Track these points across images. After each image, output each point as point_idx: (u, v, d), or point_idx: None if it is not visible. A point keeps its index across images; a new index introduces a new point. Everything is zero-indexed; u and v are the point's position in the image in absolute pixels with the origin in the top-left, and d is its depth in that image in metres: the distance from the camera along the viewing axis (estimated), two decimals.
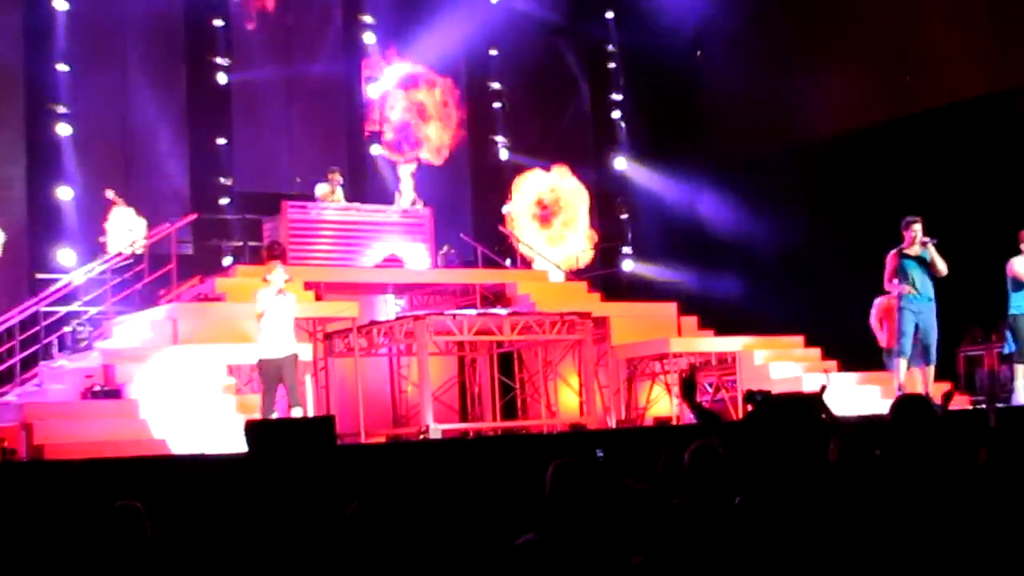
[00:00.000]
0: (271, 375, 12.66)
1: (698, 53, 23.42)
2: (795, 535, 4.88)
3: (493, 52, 24.04)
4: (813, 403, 7.99)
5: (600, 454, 9.57)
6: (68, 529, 7.08)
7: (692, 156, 22.88)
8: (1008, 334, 14.31)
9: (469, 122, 23.85)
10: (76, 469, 8.88)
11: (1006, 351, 14.79)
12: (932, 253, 13.44)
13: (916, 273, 13.43)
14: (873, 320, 14.90)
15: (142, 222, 17.31)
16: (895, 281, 13.42)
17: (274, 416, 12.30)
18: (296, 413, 12.55)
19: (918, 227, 13.51)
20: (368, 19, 23.00)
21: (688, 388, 8.30)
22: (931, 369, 13.85)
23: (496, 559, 5.95)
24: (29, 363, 15.13)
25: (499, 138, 23.33)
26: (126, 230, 17.17)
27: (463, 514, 8.60)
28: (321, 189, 17.91)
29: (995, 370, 17.67)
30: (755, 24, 21.42)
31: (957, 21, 19.33)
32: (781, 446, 5.92)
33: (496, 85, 24.04)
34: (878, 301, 14.93)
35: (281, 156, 21.58)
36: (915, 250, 13.43)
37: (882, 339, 14.61)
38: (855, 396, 14.25)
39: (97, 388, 12.89)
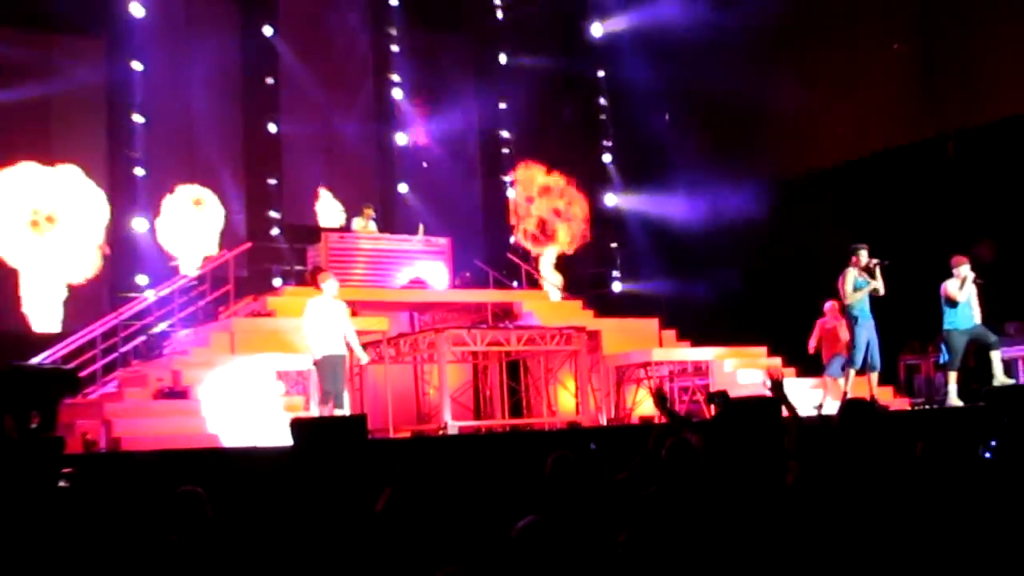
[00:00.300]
0: (328, 371, 12.82)
1: (666, 117, 23.53)
2: (760, 515, 4.97)
3: (502, 105, 24.21)
4: (773, 403, 8.09)
5: (593, 447, 9.65)
6: (140, 510, 7.16)
7: (670, 194, 22.91)
8: (942, 346, 14.41)
9: (481, 165, 24.11)
10: (148, 459, 9.00)
11: (940, 361, 14.86)
12: (878, 274, 13.57)
13: (863, 292, 13.61)
14: (813, 340, 15.11)
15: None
16: (853, 293, 13.59)
17: (338, 412, 12.48)
18: (327, 411, 12.68)
19: (864, 252, 13.66)
20: (396, 78, 23.22)
21: (660, 400, 8.50)
22: (876, 375, 13.99)
23: (503, 537, 6.06)
24: (109, 368, 15.26)
25: (507, 178, 23.46)
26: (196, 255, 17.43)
27: (476, 498, 8.68)
28: (357, 223, 18.03)
29: (931, 377, 17.73)
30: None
31: (892, 75, 19.39)
32: (744, 439, 6.04)
33: (505, 133, 24.18)
34: (820, 322, 15.07)
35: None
36: (858, 273, 13.59)
37: (813, 347, 14.89)
38: (810, 399, 14.31)
39: (166, 390, 13.01)
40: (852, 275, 13.66)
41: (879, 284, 13.64)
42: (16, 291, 15.74)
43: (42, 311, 15.88)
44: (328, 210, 18.70)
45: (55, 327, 15.55)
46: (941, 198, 18.76)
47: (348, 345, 13.19)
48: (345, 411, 13.04)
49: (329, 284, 13.30)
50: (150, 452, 9.54)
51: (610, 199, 24.04)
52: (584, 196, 20.57)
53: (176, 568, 6.06)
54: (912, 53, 19.13)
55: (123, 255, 18.07)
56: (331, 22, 22.88)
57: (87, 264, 15.99)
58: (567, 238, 20.00)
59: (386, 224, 19.86)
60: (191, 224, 17.77)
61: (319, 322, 12.98)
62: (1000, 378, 14.11)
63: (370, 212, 18.20)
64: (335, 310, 13.15)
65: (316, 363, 12.98)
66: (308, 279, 15.07)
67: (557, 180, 20.24)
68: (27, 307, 15.53)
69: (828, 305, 15.26)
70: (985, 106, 17.99)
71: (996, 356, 14.23)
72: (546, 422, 15.64)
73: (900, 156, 18.99)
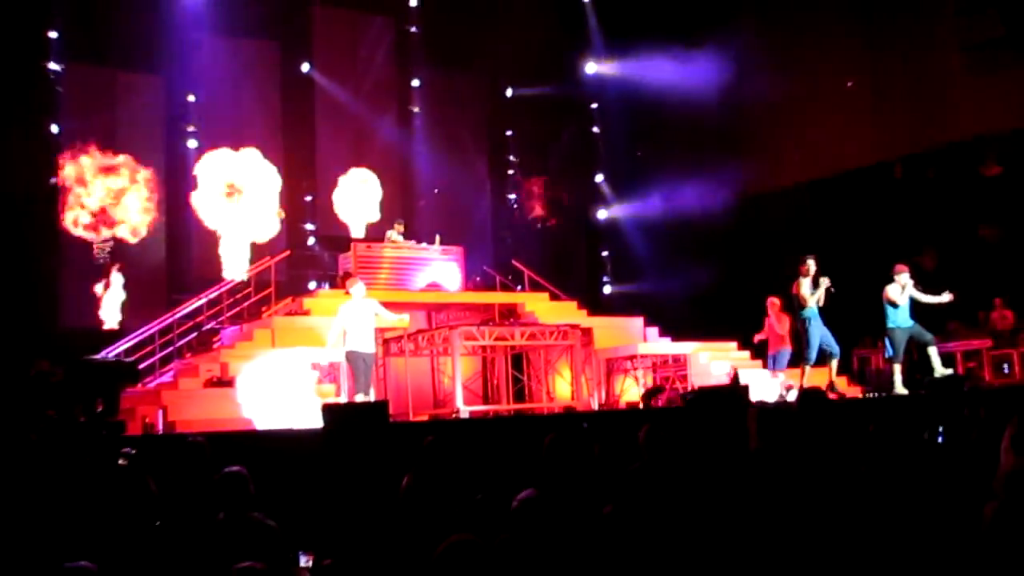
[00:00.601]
0: (359, 364, 12.58)
1: (638, 153, 23.52)
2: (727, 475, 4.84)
3: (508, 133, 24.16)
4: (736, 390, 7.98)
5: (585, 425, 9.56)
6: (193, 485, 7.02)
7: (653, 208, 22.86)
8: (887, 342, 14.36)
9: (491, 186, 24.02)
10: (197, 440, 8.86)
11: (887, 355, 14.82)
12: (822, 289, 13.51)
13: (818, 294, 13.55)
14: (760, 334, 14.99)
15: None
16: (810, 296, 13.49)
17: (362, 398, 12.27)
18: (360, 399, 12.44)
19: (811, 262, 13.58)
20: (416, 109, 23.18)
21: (648, 398, 8.43)
22: (836, 362, 13.93)
23: (505, 507, 5.93)
24: (166, 361, 15.16)
25: (511, 196, 23.36)
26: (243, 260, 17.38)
27: (484, 473, 8.56)
28: (391, 234, 17.94)
29: (881, 368, 17.65)
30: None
31: (846, 107, 19.30)
32: (712, 417, 5.94)
33: (512, 157, 24.14)
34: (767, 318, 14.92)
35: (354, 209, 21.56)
36: (809, 283, 13.52)
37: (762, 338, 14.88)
38: (774, 389, 14.16)
39: (215, 380, 12.90)
40: (806, 282, 13.57)
41: (820, 294, 13.57)
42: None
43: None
44: (355, 222, 18.56)
45: (115, 324, 15.44)
46: (888, 214, 18.71)
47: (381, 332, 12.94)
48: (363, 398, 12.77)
49: (356, 288, 13.11)
50: (202, 433, 9.42)
51: (602, 213, 23.99)
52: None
53: (222, 544, 5.92)
54: (863, 88, 19.03)
55: (176, 262, 18.02)
56: (360, 57, 22.77)
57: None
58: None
59: (408, 234, 19.78)
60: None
61: (347, 322, 12.75)
62: (939, 370, 14.11)
63: (400, 227, 18.12)
64: (364, 310, 12.92)
65: (348, 356, 12.78)
66: (339, 283, 14.94)
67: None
68: (104, 306, 15.43)
69: (769, 302, 15.11)
70: (927, 135, 17.91)
71: (933, 351, 14.23)
72: (545, 407, 15.52)
73: (853, 177, 18.92)
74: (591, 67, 24.05)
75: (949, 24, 16.31)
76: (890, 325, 14.10)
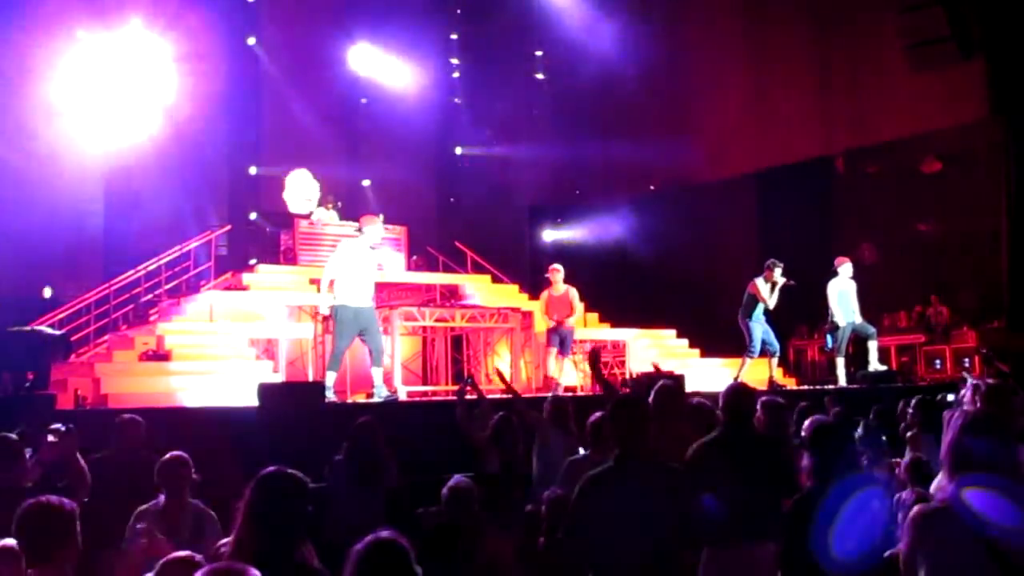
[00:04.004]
0: (348, 323, 11.27)
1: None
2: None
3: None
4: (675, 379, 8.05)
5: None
6: (129, 460, 6.96)
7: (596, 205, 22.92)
8: (828, 335, 14.70)
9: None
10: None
11: (827, 347, 15.15)
12: (777, 290, 13.72)
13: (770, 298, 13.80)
14: None
15: None
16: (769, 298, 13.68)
17: (331, 377, 11.31)
18: (376, 374, 11.60)
19: (778, 270, 13.77)
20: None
21: (594, 360, 8.43)
22: (775, 359, 14.18)
23: (440, 487, 5.95)
24: (100, 332, 14.98)
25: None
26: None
27: (420, 453, 8.57)
28: (321, 212, 17.79)
29: (816, 360, 17.94)
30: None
31: (791, 102, 19.47)
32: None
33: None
34: None
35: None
36: (768, 287, 13.73)
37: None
38: (716, 377, 14.30)
39: (151, 353, 12.76)
40: (765, 286, 13.78)
41: (775, 297, 13.80)
42: None
43: None
44: (296, 198, 18.33)
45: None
46: (829, 208, 18.95)
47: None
48: (381, 368, 11.70)
49: (373, 228, 11.65)
50: (136, 409, 9.32)
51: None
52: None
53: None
54: (810, 83, 19.21)
55: (117, 234, 17.72)
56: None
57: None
58: None
59: (351, 213, 19.67)
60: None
61: (343, 265, 11.45)
62: (874, 364, 14.43)
63: (331, 206, 17.97)
64: (366, 258, 11.53)
65: (335, 312, 11.42)
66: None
67: None
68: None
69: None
70: (870, 130, 18.14)
71: (873, 346, 14.57)
72: (485, 389, 15.52)
73: (795, 170, 19.12)
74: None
75: (894, 21, 16.49)
76: (840, 319, 14.40)
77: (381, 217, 12.45)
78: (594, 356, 8.51)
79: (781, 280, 13.74)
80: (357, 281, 11.41)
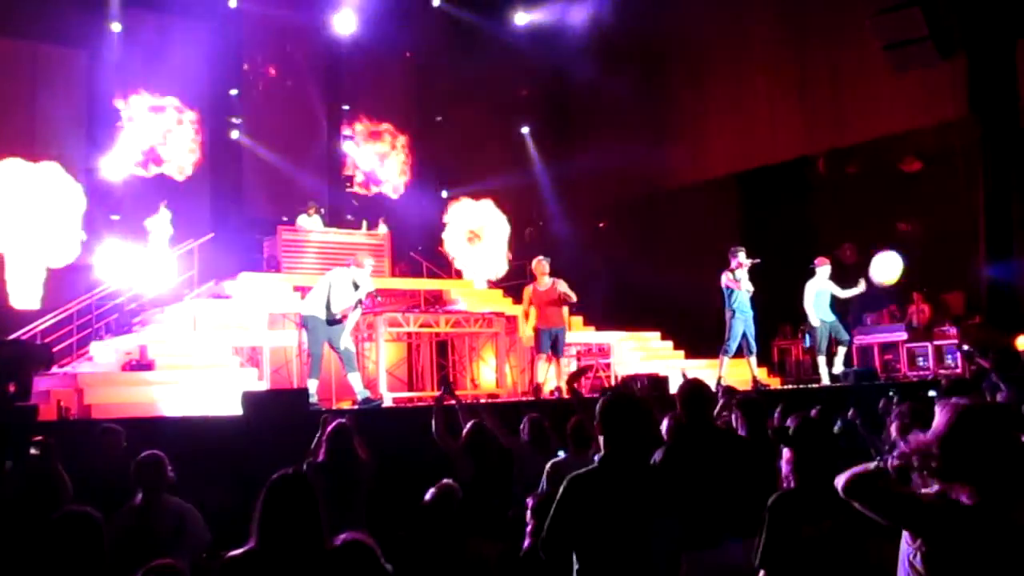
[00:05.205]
0: (318, 331, 11.56)
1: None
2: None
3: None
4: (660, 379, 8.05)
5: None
6: (109, 470, 6.95)
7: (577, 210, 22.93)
8: (807, 335, 14.75)
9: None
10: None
11: (807, 346, 15.21)
12: (746, 273, 13.74)
13: (743, 286, 13.77)
14: None
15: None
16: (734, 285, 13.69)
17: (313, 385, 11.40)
18: (354, 379, 11.70)
19: (742, 253, 13.77)
20: (346, 107, 23.04)
21: (572, 380, 8.47)
22: (753, 358, 14.14)
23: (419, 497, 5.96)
24: (84, 342, 14.91)
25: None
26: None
27: (406, 459, 8.55)
28: (303, 219, 17.78)
29: (800, 360, 17.98)
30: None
31: (773, 103, 19.54)
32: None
33: None
34: None
35: (281, 191, 21.37)
36: (740, 273, 13.73)
37: None
38: (701, 378, 14.26)
39: (134, 362, 12.73)
40: (739, 272, 13.77)
41: (745, 277, 13.81)
42: None
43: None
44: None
45: (35, 304, 15.13)
46: (811, 207, 19.01)
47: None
48: (358, 373, 11.89)
49: (360, 272, 11.95)
50: (119, 419, 9.28)
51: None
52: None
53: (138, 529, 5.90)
54: (789, 83, 19.28)
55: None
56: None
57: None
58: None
59: (333, 220, 19.70)
60: None
61: (328, 288, 11.67)
62: (837, 367, 14.57)
63: (312, 210, 17.96)
64: (347, 291, 11.80)
65: (306, 322, 11.74)
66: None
67: None
68: (9, 285, 15.09)
69: None
70: (851, 131, 18.21)
71: (841, 351, 14.78)
72: (470, 394, 15.52)
73: (776, 171, 19.19)
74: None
75: (873, 22, 16.55)
76: (814, 319, 14.46)
77: (371, 263, 12.51)
78: (574, 376, 8.56)
79: (747, 262, 13.74)
80: (332, 303, 11.64)
